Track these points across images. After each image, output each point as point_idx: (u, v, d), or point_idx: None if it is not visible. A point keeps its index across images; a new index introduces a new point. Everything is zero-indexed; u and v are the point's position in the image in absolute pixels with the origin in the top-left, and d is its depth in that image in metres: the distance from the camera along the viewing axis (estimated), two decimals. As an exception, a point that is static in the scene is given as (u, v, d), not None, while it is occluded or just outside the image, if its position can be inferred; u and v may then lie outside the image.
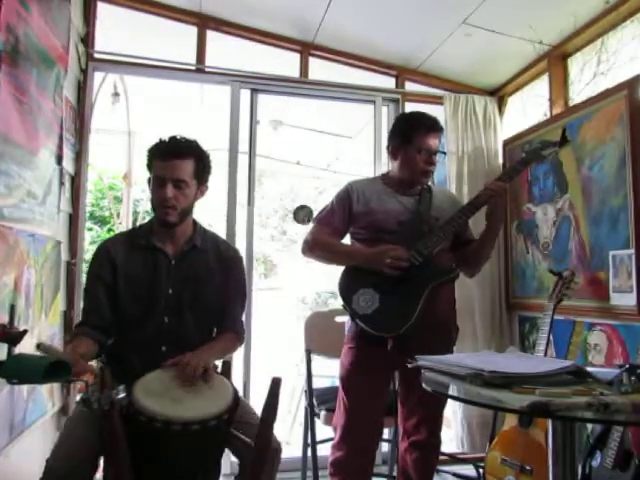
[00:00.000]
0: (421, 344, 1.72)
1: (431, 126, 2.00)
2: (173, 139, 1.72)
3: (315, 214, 2.20)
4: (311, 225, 2.14)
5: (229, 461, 2.61)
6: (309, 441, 2.46)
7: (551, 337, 2.35)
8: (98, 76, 3.08)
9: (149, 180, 1.76)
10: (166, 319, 1.71)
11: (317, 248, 2.04)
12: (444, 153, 2.35)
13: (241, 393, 2.70)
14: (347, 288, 1.91)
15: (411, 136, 1.99)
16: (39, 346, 1.43)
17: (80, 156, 2.69)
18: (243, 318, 1.90)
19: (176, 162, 1.68)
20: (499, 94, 3.28)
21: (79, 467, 1.47)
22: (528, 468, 2.13)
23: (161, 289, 1.72)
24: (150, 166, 1.74)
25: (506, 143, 3.13)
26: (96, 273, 1.74)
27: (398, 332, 1.81)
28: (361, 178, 2.24)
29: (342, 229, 2.05)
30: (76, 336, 1.67)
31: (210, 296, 1.77)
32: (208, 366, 1.59)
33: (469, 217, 1.98)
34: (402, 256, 1.84)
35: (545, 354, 2.26)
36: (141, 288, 1.72)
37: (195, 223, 1.85)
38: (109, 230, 6.59)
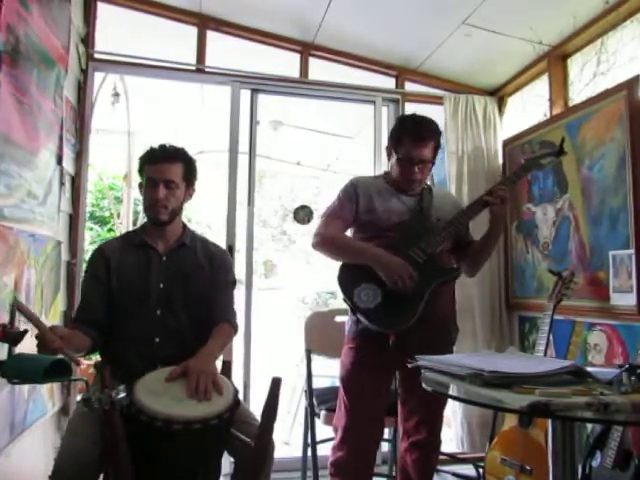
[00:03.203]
0: (421, 343, 1.73)
1: (418, 137, 1.93)
2: (163, 146, 1.86)
3: (316, 214, 2.19)
4: (320, 220, 2.09)
5: (229, 461, 2.60)
6: (309, 441, 2.45)
7: (551, 337, 2.36)
8: (98, 76, 3.09)
9: (140, 185, 1.88)
10: (158, 312, 1.79)
11: (329, 242, 2.00)
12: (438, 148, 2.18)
13: (241, 393, 2.71)
14: (348, 281, 1.89)
15: (397, 145, 1.97)
16: (14, 303, 1.44)
17: (80, 156, 2.69)
18: (236, 308, 1.95)
19: (167, 165, 1.81)
20: (499, 94, 3.29)
21: (87, 466, 1.49)
22: (528, 468, 2.14)
23: (152, 283, 1.81)
24: (142, 171, 1.87)
25: (506, 143, 3.13)
26: (91, 272, 1.86)
27: (400, 329, 1.81)
28: (364, 175, 2.24)
29: (352, 221, 2.02)
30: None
31: (199, 290, 1.84)
32: (215, 377, 1.59)
33: (471, 218, 1.98)
34: (410, 284, 1.82)
35: (545, 354, 2.27)
36: (134, 283, 1.80)
37: (184, 225, 1.96)
38: (109, 230, 6.58)
